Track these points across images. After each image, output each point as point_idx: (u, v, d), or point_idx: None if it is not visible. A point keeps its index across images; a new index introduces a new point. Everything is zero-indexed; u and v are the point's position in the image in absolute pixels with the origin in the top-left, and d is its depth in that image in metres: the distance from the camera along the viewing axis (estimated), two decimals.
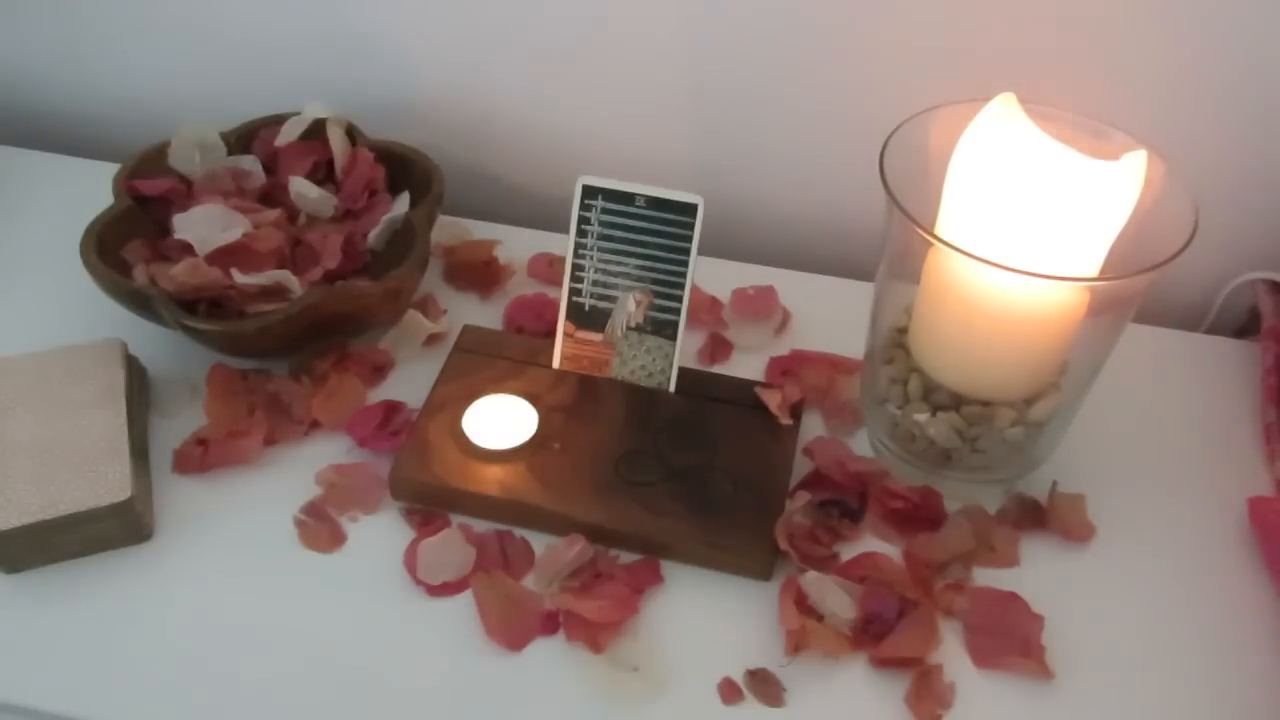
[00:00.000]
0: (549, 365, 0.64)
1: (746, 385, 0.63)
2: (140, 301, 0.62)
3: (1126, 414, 0.65)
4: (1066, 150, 0.52)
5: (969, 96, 0.54)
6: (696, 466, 0.59)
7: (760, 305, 0.71)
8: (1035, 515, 0.59)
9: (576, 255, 0.62)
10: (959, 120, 0.53)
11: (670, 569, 0.57)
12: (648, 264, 0.61)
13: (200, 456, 0.60)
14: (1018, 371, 0.55)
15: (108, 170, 0.68)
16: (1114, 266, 0.51)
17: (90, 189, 0.69)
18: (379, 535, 0.58)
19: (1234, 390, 0.67)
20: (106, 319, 0.66)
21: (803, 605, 0.54)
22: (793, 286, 0.72)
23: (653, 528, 0.57)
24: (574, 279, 0.63)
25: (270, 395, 0.64)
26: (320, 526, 0.58)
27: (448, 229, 0.75)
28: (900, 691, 0.52)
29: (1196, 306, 0.74)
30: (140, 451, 0.60)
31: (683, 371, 0.63)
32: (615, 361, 0.63)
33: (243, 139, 0.72)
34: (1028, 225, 0.50)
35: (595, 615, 0.53)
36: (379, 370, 0.66)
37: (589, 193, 0.61)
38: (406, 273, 0.64)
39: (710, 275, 0.71)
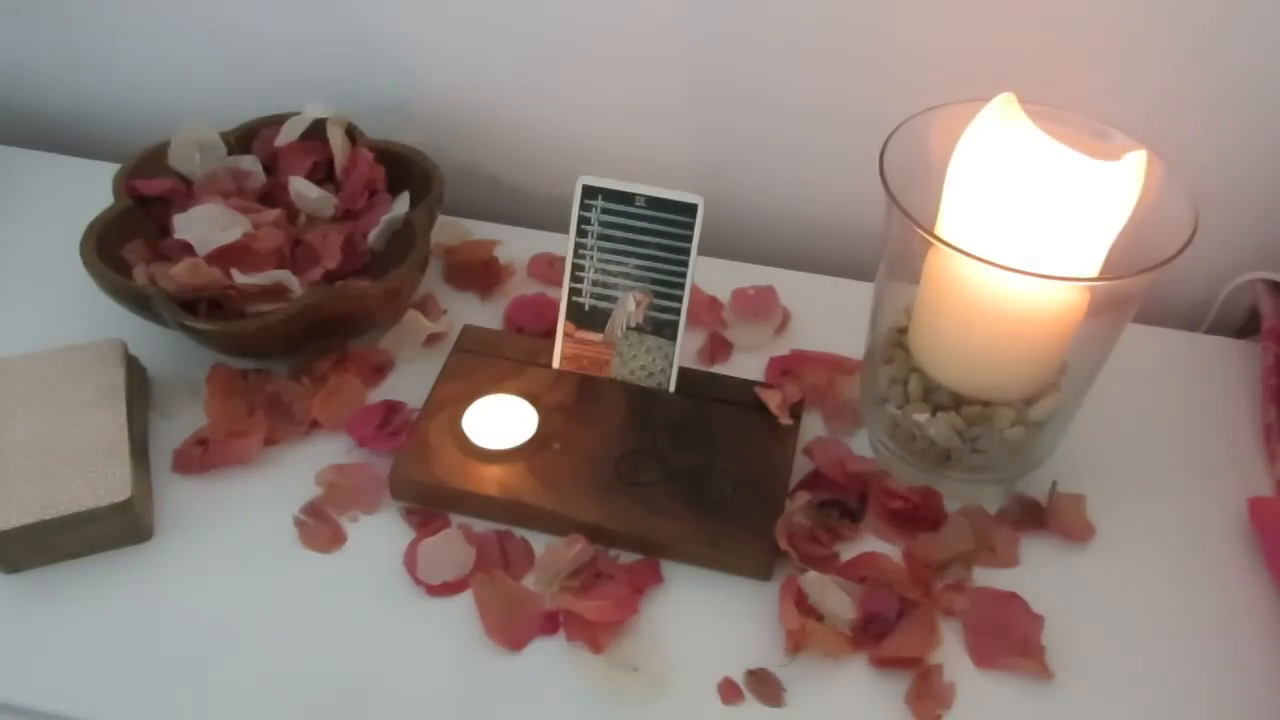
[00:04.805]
0: (549, 365, 0.64)
1: (746, 385, 0.63)
2: (140, 301, 0.62)
3: (1126, 414, 0.65)
4: (1066, 150, 0.52)
5: (969, 96, 0.54)
6: (696, 466, 0.59)
7: (760, 305, 0.71)
8: (1035, 515, 0.59)
9: (576, 255, 0.62)
10: (959, 120, 0.53)
11: (670, 569, 0.57)
12: (648, 264, 0.61)
13: (200, 456, 0.60)
14: (1018, 371, 0.55)
15: (108, 170, 0.68)
16: (1114, 266, 0.51)
17: (90, 189, 0.69)
18: (379, 535, 0.58)
19: (1234, 390, 0.67)
20: (106, 319, 0.66)
21: (803, 605, 0.54)
22: (793, 286, 0.72)
23: (653, 528, 0.57)
24: (574, 279, 0.63)
25: (270, 395, 0.64)
26: (320, 526, 0.58)
27: (448, 229, 0.75)
28: (900, 691, 0.52)
29: (1196, 306, 0.74)
30: (140, 451, 0.60)
31: (683, 371, 0.63)
32: (615, 361, 0.63)
33: (243, 139, 0.72)
34: (1028, 225, 0.50)
35: (595, 615, 0.53)
36: (379, 370, 0.66)
37: (589, 193, 0.61)
38: (406, 273, 0.64)
39: (710, 275, 0.71)
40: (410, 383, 0.66)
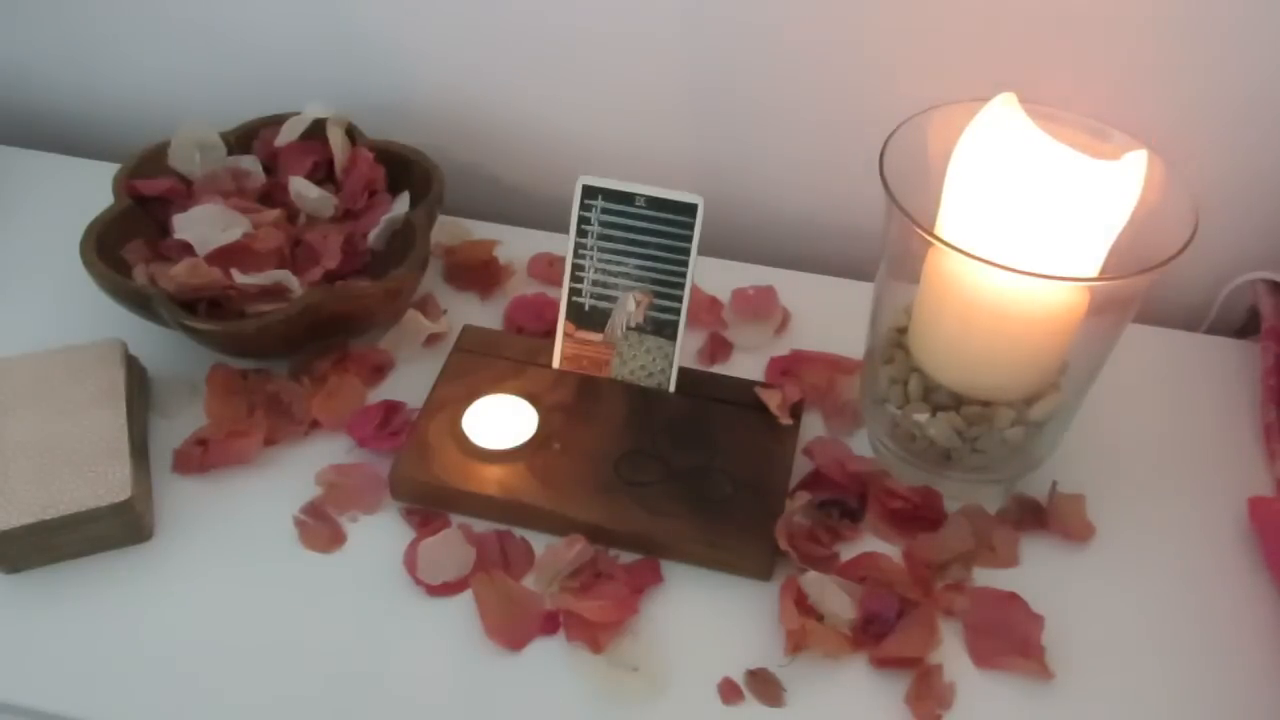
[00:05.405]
0: (549, 365, 0.64)
1: (746, 385, 0.63)
2: (140, 301, 0.62)
3: (1126, 414, 0.65)
4: (1066, 150, 0.52)
5: (969, 96, 0.54)
6: (696, 466, 0.59)
7: (760, 305, 0.71)
8: (1035, 515, 0.59)
9: (576, 255, 0.62)
10: (959, 120, 0.53)
11: (670, 569, 0.57)
12: (648, 264, 0.61)
13: (200, 456, 0.60)
14: (1018, 371, 0.55)
15: (108, 170, 0.68)
16: (1114, 266, 0.51)
17: (90, 189, 0.69)
18: (379, 535, 0.58)
19: (1234, 390, 0.67)
20: (106, 319, 0.66)
21: (803, 605, 0.54)
22: (793, 286, 0.72)
23: (653, 528, 0.57)
24: (574, 279, 0.63)
25: (270, 395, 0.64)
26: (320, 526, 0.58)
27: (448, 229, 0.75)
28: (900, 691, 0.52)
29: (1196, 306, 0.74)
30: (140, 451, 0.60)
31: (683, 371, 0.63)
32: (615, 361, 0.63)
33: (243, 139, 0.72)
34: (1028, 225, 0.50)
35: (595, 615, 0.53)
36: (379, 370, 0.66)
37: (589, 193, 0.61)
38: (406, 273, 0.64)
39: (710, 275, 0.71)
40: (410, 383, 0.65)
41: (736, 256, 0.75)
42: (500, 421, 0.61)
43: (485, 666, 0.53)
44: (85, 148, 0.86)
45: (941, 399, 0.56)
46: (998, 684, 0.53)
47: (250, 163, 0.71)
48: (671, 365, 0.63)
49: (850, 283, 0.73)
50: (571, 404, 0.62)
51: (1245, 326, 0.73)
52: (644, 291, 0.62)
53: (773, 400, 0.62)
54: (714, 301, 0.71)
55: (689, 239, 0.60)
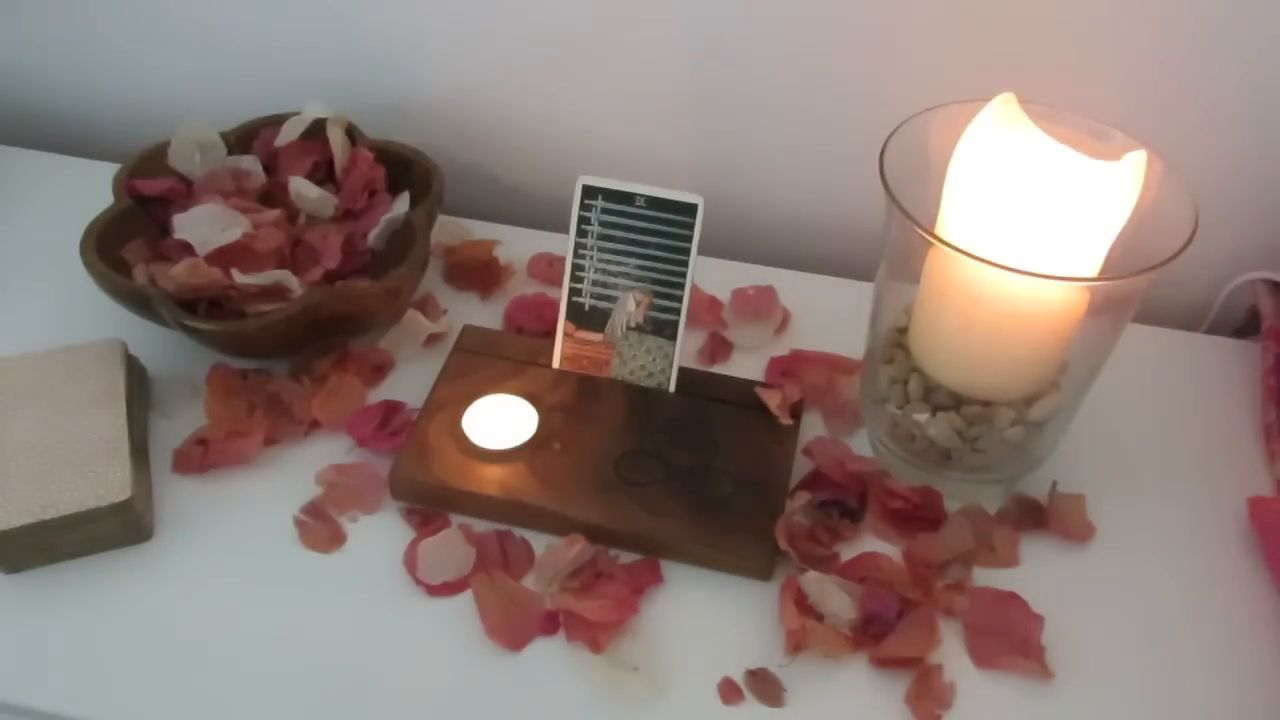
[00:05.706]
0: (549, 365, 0.64)
1: (746, 385, 0.63)
2: (140, 301, 0.62)
3: (1126, 414, 0.65)
4: (1066, 150, 0.52)
5: (969, 96, 0.54)
6: (696, 466, 0.59)
7: (760, 305, 0.71)
8: (1035, 515, 0.59)
9: (576, 255, 0.62)
10: (959, 120, 0.53)
11: (670, 569, 0.57)
12: (648, 264, 0.61)
13: (200, 456, 0.60)
14: (1018, 371, 0.55)
15: (108, 170, 0.68)
16: (1114, 266, 0.51)
17: (90, 189, 0.69)
18: (379, 535, 0.58)
19: (1234, 390, 0.67)
20: (106, 319, 0.66)
21: (803, 605, 0.54)
22: (793, 286, 0.72)
23: (653, 528, 0.57)
24: (574, 279, 0.63)
25: (270, 395, 0.64)
26: (320, 526, 0.58)
27: (448, 229, 0.75)
28: (900, 691, 0.52)
29: (1196, 306, 0.74)
30: (140, 451, 0.60)
31: (683, 371, 0.63)
32: (615, 361, 0.63)
33: (243, 139, 0.72)
34: (1028, 225, 0.50)
35: (595, 615, 0.53)
36: (379, 370, 0.66)
37: (589, 193, 0.61)
38: (406, 273, 0.64)
39: (710, 275, 0.71)
40: (410, 383, 0.66)
41: (736, 256, 0.75)
42: (500, 421, 0.61)
43: (485, 666, 0.53)
44: (85, 148, 0.86)
45: (941, 399, 0.56)
46: (998, 684, 0.53)
47: (250, 163, 0.71)
48: (671, 365, 0.63)
49: (850, 283, 0.73)
50: (571, 404, 0.62)
51: (1245, 326, 0.73)
52: (644, 291, 0.62)
53: (773, 400, 0.62)
54: (714, 301, 0.71)
55: (689, 239, 0.60)
